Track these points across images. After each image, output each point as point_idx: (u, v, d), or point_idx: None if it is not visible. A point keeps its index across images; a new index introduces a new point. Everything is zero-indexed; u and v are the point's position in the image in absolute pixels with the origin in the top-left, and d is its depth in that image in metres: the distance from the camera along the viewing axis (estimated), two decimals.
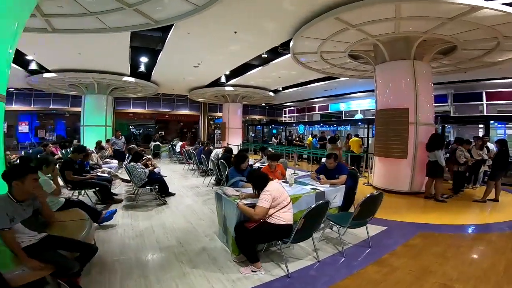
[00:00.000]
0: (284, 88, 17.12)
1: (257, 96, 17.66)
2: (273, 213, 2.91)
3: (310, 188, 4.07)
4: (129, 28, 6.74)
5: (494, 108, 12.34)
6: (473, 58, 7.33)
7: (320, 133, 13.27)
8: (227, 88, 15.69)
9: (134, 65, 11.62)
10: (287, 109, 24.13)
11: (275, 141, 16.40)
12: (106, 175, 6.13)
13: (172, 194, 6.32)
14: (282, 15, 6.35)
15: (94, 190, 5.60)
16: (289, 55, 8.81)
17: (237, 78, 14.24)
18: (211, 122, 24.70)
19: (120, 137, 10.58)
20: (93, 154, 7.23)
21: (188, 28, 7.24)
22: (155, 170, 6.38)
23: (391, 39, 6.56)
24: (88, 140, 12.19)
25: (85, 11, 5.77)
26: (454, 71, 8.87)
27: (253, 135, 21.26)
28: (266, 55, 10.26)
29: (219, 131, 22.25)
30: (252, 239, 2.89)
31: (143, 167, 5.84)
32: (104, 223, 4.20)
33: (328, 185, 4.28)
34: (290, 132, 15.96)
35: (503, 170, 6.06)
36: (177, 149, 12.82)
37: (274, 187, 2.96)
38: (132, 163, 5.53)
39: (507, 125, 10.74)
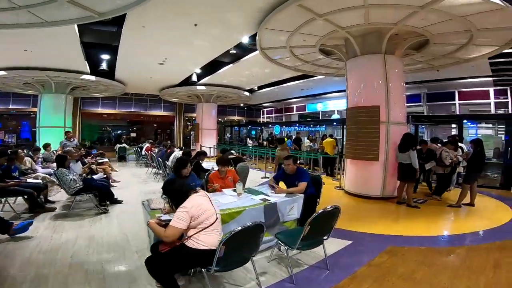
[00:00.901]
0: (260, 88, 16.62)
1: (232, 96, 17.02)
2: (193, 234, 2.26)
3: (260, 199, 3.43)
4: (69, 22, 5.92)
5: (466, 108, 12.36)
6: (446, 54, 7.04)
7: (296, 134, 12.75)
8: (199, 88, 14.95)
9: (94, 62, 10.87)
10: (265, 109, 23.62)
11: (251, 142, 15.76)
12: (38, 180, 5.42)
13: (119, 202, 5.62)
14: (243, 4, 5.79)
15: (23, 197, 4.96)
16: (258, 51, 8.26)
17: (209, 77, 13.69)
18: (188, 123, 23.75)
19: (72, 139, 9.58)
20: (25, 158, 6.28)
21: (143, 20, 6.68)
22: (97, 175, 5.56)
23: (362, 32, 6.17)
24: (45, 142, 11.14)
25: (13, 5, 4.92)
26: (427, 69, 8.61)
27: (230, 136, 20.48)
28: (235, 51, 9.75)
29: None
30: (165, 266, 2.21)
31: (76, 172, 5.06)
32: (18, 235, 3.73)
33: (284, 195, 3.67)
34: (271, 133, 15.36)
35: (478, 172, 5.67)
36: (143, 151, 11.92)
37: (194, 202, 2.30)
38: (60, 169, 4.71)
39: (478, 125, 10.65)
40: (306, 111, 18.95)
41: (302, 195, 3.70)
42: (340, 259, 3.27)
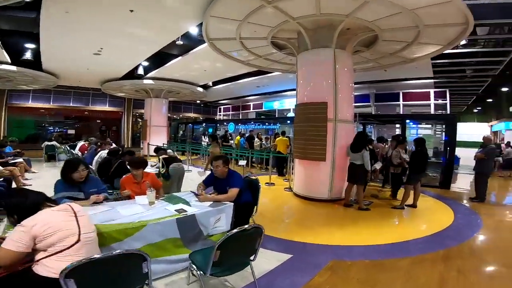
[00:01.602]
0: (214, 84, 15.86)
1: (185, 92, 15.98)
2: (41, 258, 1.68)
3: (176, 210, 2.78)
4: None
5: (409, 109, 13.04)
6: (393, 52, 7.07)
7: (249, 132, 12.24)
8: (146, 82, 13.74)
9: (16, 51, 9.72)
10: (222, 107, 22.85)
11: (206, 140, 14.90)
12: None
13: None
14: None
15: None
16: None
17: (157, 70, 12.67)
18: (139, 120, 21.96)
19: None
20: None
21: (64, 5, 5.90)
22: None
23: (314, 25, 5.89)
24: None
25: None
26: (376, 68, 8.69)
27: (184, 134, 19.27)
28: (182, 42, 8.98)
29: None
30: None
31: None
32: None
33: (209, 203, 3.06)
34: (226, 131, 14.65)
35: (421, 172, 5.57)
36: (77, 150, 10.39)
37: (40, 220, 1.71)
38: None
39: (419, 125, 11.18)
40: (263, 109, 18.66)
41: (232, 203, 3.12)
42: (275, 280, 2.77)
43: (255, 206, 3.73)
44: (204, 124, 19.03)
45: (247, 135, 12.32)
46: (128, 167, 3.57)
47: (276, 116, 17.44)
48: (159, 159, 4.90)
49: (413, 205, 5.58)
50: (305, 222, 4.69)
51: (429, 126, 11.66)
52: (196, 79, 14.24)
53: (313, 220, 4.78)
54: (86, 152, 9.26)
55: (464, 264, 3.15)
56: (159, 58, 11.54)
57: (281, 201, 6.09)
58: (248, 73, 13.33)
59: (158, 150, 5.36)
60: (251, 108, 19.56)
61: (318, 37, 6.01)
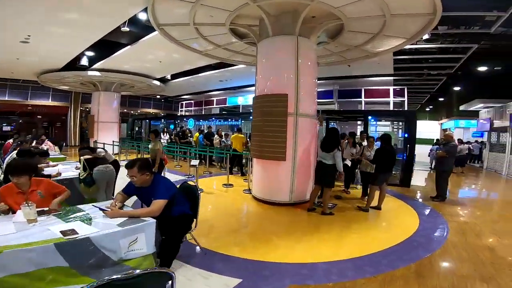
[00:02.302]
0: (173, 77, 14.70)
1: (140, 85, 14.62)
2: None
3: (61, 231, 1.98)
4: None
5: (370, 106, 13.15)
6: (358, 45, 6.74)
7: (207, 128, 11.38)
8: (92, 73, 12.27)
9: None
10: (184, 102, 21.58)
11: (165, 138, 13.70)
12: None
13: None
14: None
15: None
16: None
17: (104, 61, 11.35)
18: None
19: None
20: None
21: None
22: None
23: (277, 11, 5.32)
24: None
25: None
26: (339, 62, 8.38)
27: (142, 131, 17.72)
28: (128, 29, 8.03)
29: None
30: None
31: None
32: None
33: (121, 220, 2.27)
34: (182, 127, 13.58)
35: (387, 171, 5.20)
36: None
37: None
38: None
39: (378, 122, 11.21)
40: (227, 105, 17.84)
41: (153, 220, 2.36)
42: None
43: (194, 219, 3.01)
44: (163, 120, 17.67)
45: (206, 131, 11.41)
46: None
47: (241, 111, 16.72)
48: (80, 160, 3.93)
49: (378, 207, 5.24)
50: (262, 233, 4.07)
51: (389, 122, 11.83)
52: (152, 72, 13.01)
53: (271, 230, 4.17)
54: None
55: (441, 284, 2.72)
56: (106, 48, 10.33)
57: (237, 206, 5.43)
58: (209, 66, 12.47)
59: (82, 149, 4.35)
60: (215, 103, 18.64)
61: (280, 24, 5.43)
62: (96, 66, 11.89)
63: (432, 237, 4.03)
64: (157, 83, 14.30)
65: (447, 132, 6.35)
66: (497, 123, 12.87)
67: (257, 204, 5.54)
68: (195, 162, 5.96)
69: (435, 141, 16.20)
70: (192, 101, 20.76)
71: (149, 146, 5.52)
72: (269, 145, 5.27)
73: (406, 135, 7.83)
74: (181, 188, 3.19)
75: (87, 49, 10.24)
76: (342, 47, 7.12)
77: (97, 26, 7.48)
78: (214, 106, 18.68)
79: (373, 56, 7.58)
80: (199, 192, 3.09)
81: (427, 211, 5.43)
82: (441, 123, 23.63)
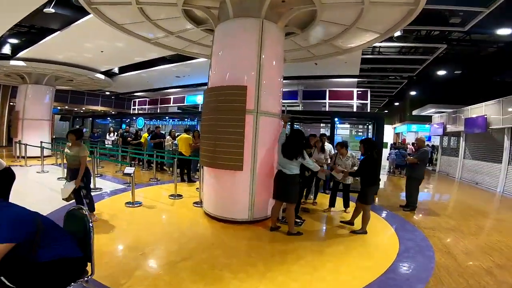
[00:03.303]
0: (122, 71, 12.96)
1: (82, 79, 12.64)
2: None
3: None
4: None
5: (334, 108, 12.85)
6: (328, 39, 6.06)
7: (155, 129, 9.99)
8: (15, 63, 10.20)
9: None
10: (137, 100, 19.60)
11: (110, 139, 11.91)
12: None
13: None
14: None
15: None
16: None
17: (30, 49, 9.46)
18: None
19: None
20: None
21: None
22: None
23: None
24: None
25: None
26: (306, 59, 7.67)
27: (85, 130, 15.41)
28: (53, 10, 6.70)
29: None
30: None
31: None
32: None
33: None
34: (127, 128, 11.93)
35: (377, 184, 4.34)
36: None
37: None
38: None
39: (341, 125, 10.88)
40: (185, 104, 16.43)
41: None
42: None
43: (88, 263, 1.90)
44: (109, 118, 15.67)
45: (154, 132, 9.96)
46: None
47: (200, 111, 15.43)
48: None
49: (350, 222, 4.53)
50: (210, 267, 3.05)
51: (348, 126, 11.56)
52: (94, 63, 11.20)
53: (224, 263, 3.16)
54: None
55: None
56: (34, 34, 8.86)
57: (182, 226, 4.31)
58: (164, 59, 11.11)
59: None
60: (172, 102, 17.08)
61: (244, 6, 4.49)
62: (21, 55, 9.91)
63: (419, 261, 3.38)
64: (101, 76, 12.47)
65: (419, 137, 5.95)
66: (450, 128, 13.41)
67: (208, 222, 4.49)
68: (129, 170, 4.73)
69: (389, 145, 16.66)
70: (147, 99, 18.91)
71: (67, 150, 4.10)
72: (223, 151, 4.24)
73: (375, 139, 7.39)
74: (66, 216, 2.05)
75: (9, 36, 8.74)
76: (311, 41, 6.42)
77: (15, 6, 6.07)
78: (171, 104, 17.12)
79: (343, 52, 7.01)
80: (90, 223, 1.96)
81: (402, 225, 4.87)
82: (394, 127, 24.74)
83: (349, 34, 5.82)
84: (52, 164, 9.47)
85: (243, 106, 4.15)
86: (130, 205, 5.13)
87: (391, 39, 7.50)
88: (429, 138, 17.77)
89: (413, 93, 16.77)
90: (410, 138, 19.62)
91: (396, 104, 22.07)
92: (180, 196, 5.92)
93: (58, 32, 8.05)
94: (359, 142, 4.52)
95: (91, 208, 4.29)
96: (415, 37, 7.59)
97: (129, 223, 4.27)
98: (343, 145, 5.22)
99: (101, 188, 6.35)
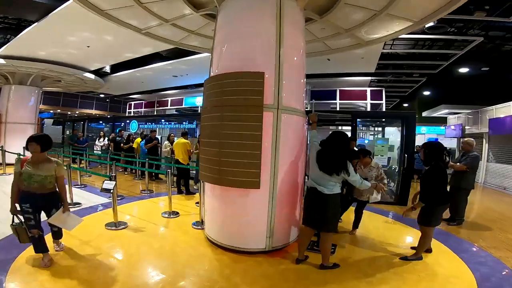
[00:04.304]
0: (114, 70, 11.95)
1: (69, 79, 11.64)
2: None
3: None
4: None
5: (345, 109, 11.87)
6: (350, 28, 5.07)
7: (150, 132, 8.91)
8: None
9: None
10: (133, 102, 18.58)
11: (100, 144, 10.86)
12: None
13: None
14: None
15: None
16: None
17: (8, 45, 8.52)
18: None
19: None
20: None
21: None
22: None
23: None
24: None
25: None
26: (321, 53, 6.64)
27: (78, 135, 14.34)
28: None
29: None
30: None
31: None
32: None
33: None
34: (119, 132, 10.89)
35: (447, 202, 3.31)
36: None
37: None
38: None
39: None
40: (184, 106, 15.43)
41: None
42: None
43: None
44: (101, 121, 14.64)
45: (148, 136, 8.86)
46: None
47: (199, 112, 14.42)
48: None
49: (418, 257, 3.35)
50: None
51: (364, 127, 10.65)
52: (81, 61, 10.16)
53: None
54: None
55: None
56: (10, 29, 8.21)
57: (178, 260, 3.21)
58: (158, 56, 10.11)
59: None
60: (169, 104, 16.09)
61: None
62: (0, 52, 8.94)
63: None
64: (91, 76, 11.43)
65: (466, 139, 4.89)
66: (469, 129, 12.43)
67: (212, 253, 3.40)
68: (109, 184, 3.67)
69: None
70: (143, 102, 17.90)
71: (28, 169, 2.87)
72: (231, 162, 3.14)
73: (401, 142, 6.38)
74: None
75: None
76: (329, 30, 5.42)
77: None
78: (169, 107, 16.12)
79: (364, 45, 5.99)
80: None
81: (458, 244, 3.90)
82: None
83: (376, 22, 4.81)
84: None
85: (260, 99, 3.06)
86: (112, 227, 4.07)
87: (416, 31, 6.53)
88: (435, 140, 16.80)
89: (426, 93, 15.74)
90: (418, 141, 18.63)
91: (405, 105, 21.08)
92: (176, 214, 4.86)
93: (35, 24, 7.08)
94: (420, 147, 3.47)
95: (58, 235, 3.25)
96: (449, 28, 6.59)
97: (104, 256, 3.19)
98: (366, 152, 4.13)
99: (80, 204, 5.27)
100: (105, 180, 3.86)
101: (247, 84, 3.09)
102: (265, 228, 3.25)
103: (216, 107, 3.36)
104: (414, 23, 4.79)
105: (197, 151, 6.63)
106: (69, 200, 5.13)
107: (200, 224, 4.29)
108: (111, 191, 3.70)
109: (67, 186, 4.99)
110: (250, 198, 3.21)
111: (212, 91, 3.45)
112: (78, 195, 5.81)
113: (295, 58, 3.56)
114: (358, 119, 6.95)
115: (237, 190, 3.21)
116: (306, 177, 3.47)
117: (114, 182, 3.75)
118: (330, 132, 3.44)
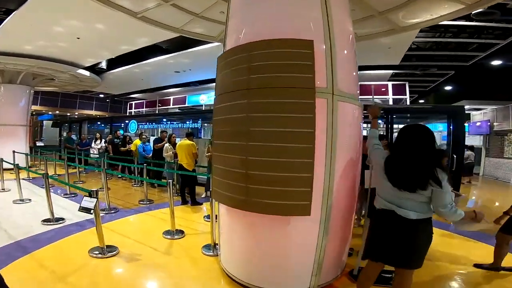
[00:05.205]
0: (110, 66, 11.01)
1: (63, 77, 10.78)
2: None
3: None
4: None
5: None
6: (385, 10, 4.19)
7: (160, 133, 7.87)
8: None
9: None
10: (134, 102, 17.68)
11: (96, 146, 9.95)
12: None
13: None
14: None
15: None
16: None
17: None
18: None
19: None
20: None
21: None
22: None
23: None
24: None
25: None
26: None
27: (74, 137, 13.46)
28: None
29: None
30: None
31: None
32: None
33: None
34: (115, 132, 9.95)
35: None
36: None
37: None
38: None
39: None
40: (186, 105, 14.50)
41: None
42: None
43: None
44: (99, 122, 13.77)
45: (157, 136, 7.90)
46: None
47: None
48: None
49: (495, 267, 2.79)
50: None
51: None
52: (74, 56, 9.24)
53: None
54: None
55: None
56: None
57: None
58: (158, 49, 9.16)
59: None
60: (171, 103, 15.17)
61: None
62: None
63: None
64: (86, 73, 10.52)
65: None
66: (498, 126, 11.41)
67: None
68: (88, 202, 2.71)
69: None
70: (144, 101, 17.00)
71: None
72: (267, 177, 2.08)
73: (446, 139, 5.38)
74: None
75: None
76: (360, 13, 4.41)
77: None
78: (171, 106, 15.21)
79: (399, 31, 5.00)
80: None
81: None
82: None
83: (421, 3, 3.91)
84: (24, 179, 7.32)
85: (311, 79, 2.00)
86: (98, 254, 3.11)
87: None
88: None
89: (447, 88, 14.63)
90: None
91: (421, 101, 19.96)
92: (181, 233, 3.89)
93: (15, 12, 6.18)
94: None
95: None
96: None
97: None
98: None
99: (63, 219, 4.31)
100: (84, 196, 2.88)
101: (290, 56, 2.05)
102: (311, 264, 2.25)
103: (239, 91, 2.26)
104: (466, 7, 3.84)
105: (209, 153, 5.67)
106: (49, 215, 4.20)
107: (212, 248, 3.31)
108: (91, 211, 2.73)
109: (45, 198, 4.13)
110: (293, 226, 2.20)
111: (232, 69, 2.36)
112: (62, 208, 4.87)
113: (345, 28, 2.54)
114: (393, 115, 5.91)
115: (272, 218, 2.19)
116: None
117: (95, 200, 2.77)
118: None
